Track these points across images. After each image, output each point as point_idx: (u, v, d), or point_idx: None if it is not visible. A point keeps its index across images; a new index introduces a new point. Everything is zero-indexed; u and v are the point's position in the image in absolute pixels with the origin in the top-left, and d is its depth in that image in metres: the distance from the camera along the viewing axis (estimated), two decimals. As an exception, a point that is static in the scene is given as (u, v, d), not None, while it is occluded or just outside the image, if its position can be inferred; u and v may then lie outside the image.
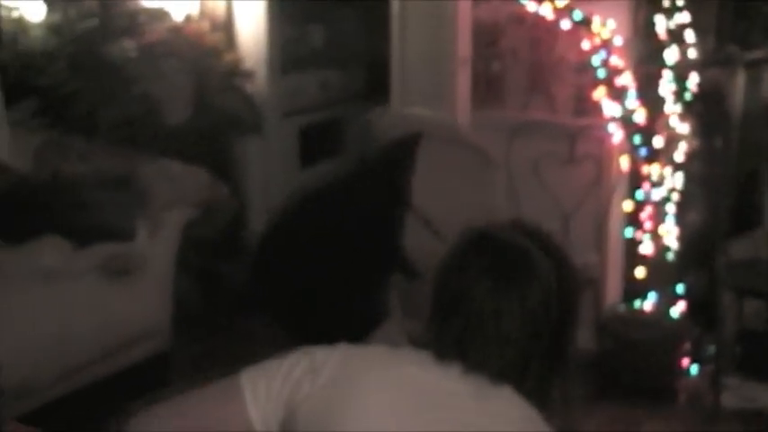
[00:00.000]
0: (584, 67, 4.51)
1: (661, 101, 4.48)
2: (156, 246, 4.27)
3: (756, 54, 5.01)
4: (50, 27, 4.76)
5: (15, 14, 4.80)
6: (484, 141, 4.57)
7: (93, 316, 3.97)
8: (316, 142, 5.71)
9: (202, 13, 5.15)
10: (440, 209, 3.35)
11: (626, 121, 4.45)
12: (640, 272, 4.54)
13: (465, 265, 1.84)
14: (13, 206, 4.09)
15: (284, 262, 3.15)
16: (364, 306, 3.07)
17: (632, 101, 4.44)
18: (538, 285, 1.82)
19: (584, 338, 4.55)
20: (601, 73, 4.44)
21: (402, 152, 3.04)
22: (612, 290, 4.67)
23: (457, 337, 1.80)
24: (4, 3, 4.77)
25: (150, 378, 4.29)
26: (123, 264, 4.10)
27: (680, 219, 4.55)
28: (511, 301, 1.80)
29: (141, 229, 4.21)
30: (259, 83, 5.24)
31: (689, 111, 4.53)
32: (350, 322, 3.04)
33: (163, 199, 4.31)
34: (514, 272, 1.82)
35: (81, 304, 3.94)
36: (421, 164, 3.35)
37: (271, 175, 5.36)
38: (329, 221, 3.05)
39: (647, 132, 4.46)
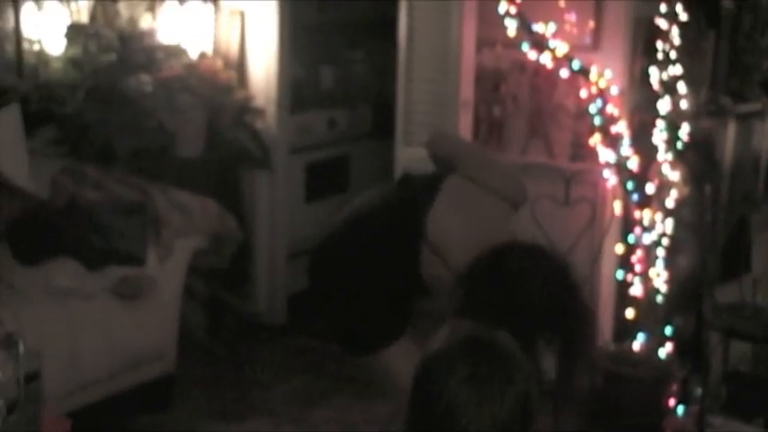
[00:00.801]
0: (582, 114, 4.66)
1: (654, 149, 4.64)
2: (166, 271, 4.42)
3: (748, 107, 5.19)
4: (70, 60, 4.94)
5: (36, 48, 4.98)
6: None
7: (102, 336, 4.11)
8: (322, 178, 5.88)
9: (216, 52, 5.34)
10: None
11: (620, 167, 4.60)
12: (630, 313, 4.67)
13: (445, 373, 1.92)
14: (30, 229, 4.26)
15: (331, 275, 3.33)
16: (389, 322, 3.25)
17: (626, 148, 4.58)
18: (513, 392, 1.91)
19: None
20: (597, 120, 4.59)
21: (432, 187, 3.22)
22: (603, 329, 4.80)
23: None
24: (26, 36, 4.95)
25: (155, 399, 4.45)
26: (134, 287, 4.25)
27: (669, 262, 4.70)
28: (490, 407, 1.89)
29: (152, 255, 4.37)
30: (269, 120, 5.40)
31: (680, 159, 4.69)
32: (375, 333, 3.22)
33: (173, 227, 4.47)
34: (494, 381, 1.91)
35: (92, 324, 4.08)
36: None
37: (277, 209, 5.52)
38: (369, 244, 3.23)
39: (640, 179, 4.60)
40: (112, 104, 4.90)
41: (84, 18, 5.22)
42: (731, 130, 5.00)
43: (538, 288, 2.75)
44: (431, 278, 3.06)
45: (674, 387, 4.66)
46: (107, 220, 4.34)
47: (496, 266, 2.76)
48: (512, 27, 4.65)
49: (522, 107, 4.86)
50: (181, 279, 4.51)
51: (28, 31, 4.98)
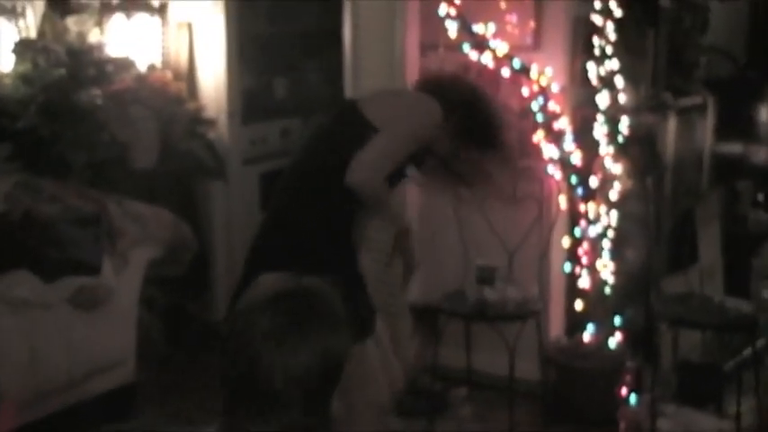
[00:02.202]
0: (525, 112, 4.73)
1: (596, 143, 4.74)
2: (122, 281, 4.46)
3: (689, 101, 5.31)
4: (20, 76, 4.96)
5: (-16, 66, 5.02)
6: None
7: (61, 345, 4.14)
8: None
9: (165, 64, 5.39)
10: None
11: (564, 162, 4.69)
12: (579, 305, 4.76)
13: (250, 323, 1.96)
14: (-13, 242, 4.29)
15: None
16: None
17: (569, 143, 4.69)
18: (311, 346, 1.94)
19: (529, 369, 4.78)
20: (540, 117, 4.69)
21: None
22: (555, 323, 4.89)
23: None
24: None
25: (116, 408, 4.48)
26: (91, 296, 4.29)
27: (616, 254, 4.80)
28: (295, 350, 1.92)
29: (108, 265, 4.41)
30: (221, 130, 5.46)
31: (622, 153, 4.79)
32: None
33: (128, 237, 4.52)
34: (289, 334, 1.93)
35: (50, 334, 4.11)
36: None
37: (232, 218, 5.58)
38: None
39: (584, 173, 4.70)
40: (65, 119, 4.91)
41: (32, 34, 5.28)
42: (672, 124, 5.11)
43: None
44: None
45: (627, 377, 4.75)
46: (62, 232, 4.37)
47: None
48: (453, 29, 4.74)
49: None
50: (137, 288, 4.56)
51: None
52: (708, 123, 5.51)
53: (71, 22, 5.27)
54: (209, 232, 5.52)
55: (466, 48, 4.72)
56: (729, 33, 6.31)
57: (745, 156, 5.98)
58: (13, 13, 5.28)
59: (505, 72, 4.71)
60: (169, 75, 5.35)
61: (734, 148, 5.93)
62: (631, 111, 4.82)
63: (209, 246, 5.50)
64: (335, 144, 3.24)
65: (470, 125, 3.36)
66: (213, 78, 5.47)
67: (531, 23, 4.78)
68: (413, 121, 3.28)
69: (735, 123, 5.89)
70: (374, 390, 3.37)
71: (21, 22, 5.28)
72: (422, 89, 3.43)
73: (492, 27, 4.71)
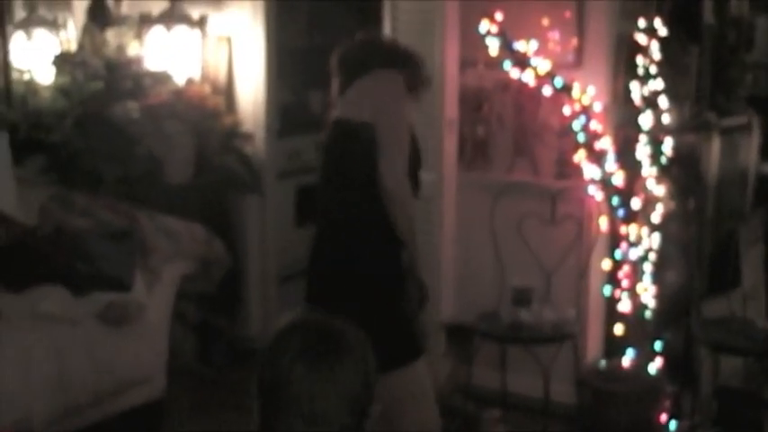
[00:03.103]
0: (566, 131, 4.66)
1: (638, 164, 4.64)
2: (154, 297, 4.41)
3: (733, 121, 5.20)
4: (59, 89, 4.96)
5: (27, 77, 5.02)
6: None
7: (90, 361, 4.09)
8: (312, 202, 5.87)
9: (204, 77, 5.35)
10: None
11: (605, 183, 4.60)
12: (619, 329, 4.67)
13: (280, 352, 1.99)
14: (18, 256, 4.26)
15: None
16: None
17: (611, 164, 4.59)
18: (351, 364, 1.98)
19: (565, 393, 4.70)
20: (581, 137, 4.59)
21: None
22: (592, 346, 4.80)
23: (281, 424, 1.96)
24: (16, 66, 5.00)
25: (144, 424, 4.44)
26: (121, 312, 4.25)
27: (657, 278, 4.69)
28: (324, 382, 1.95)
29: (139, 281, 4.38)
30: (257, 144, 5.42)
31: (665, 174, 4.69)
32: None
33: (161, 253, 4.48)
34: (325, 354, 1.97)
35: (79, 349, 4.06)
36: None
37: (267, 233, 5.53)
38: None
39: (626, 194, 4.60)
40: (100, 132, 4.90)
41: (73, 46, 5.28)
42: (716, 144, 5.00)
43: None
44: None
45: (666, 403, 4.64)
46: (93, 247, 4.34)
47: None
48: (493, 46, 4.67)
49: (507, 126, 4.87)
50: (169, 304, 4.51)
51: (17, 60, 5.03)
52: (753, 143, 5.39)
53: (110, 35, 5.27)
54: (243, 247, 5.48)
55: (507, 65, 4.64)
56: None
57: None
58: (54, 25, 5.31)
59: (547, 90, 4.62)
60: (207, 88, 5.32)
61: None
62: (674, 131, 4.71)
63: (243, 261, 5.46)
64: (356, 161, 3.41)
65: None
66: (251, 92, 5.43)
67: (574, 41, 4.70)
68: (391, 98, 3.47)
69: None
70: (426, 413, 3.42)
71: (62, 34, 5.31)
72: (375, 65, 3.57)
73: (534, 44, 4.63)
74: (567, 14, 4.72)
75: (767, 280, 5.37)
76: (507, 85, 4.78)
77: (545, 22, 4.73)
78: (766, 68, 5.88)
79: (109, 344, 4.19)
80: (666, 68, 4.65)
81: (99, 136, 4.90)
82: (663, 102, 4.66)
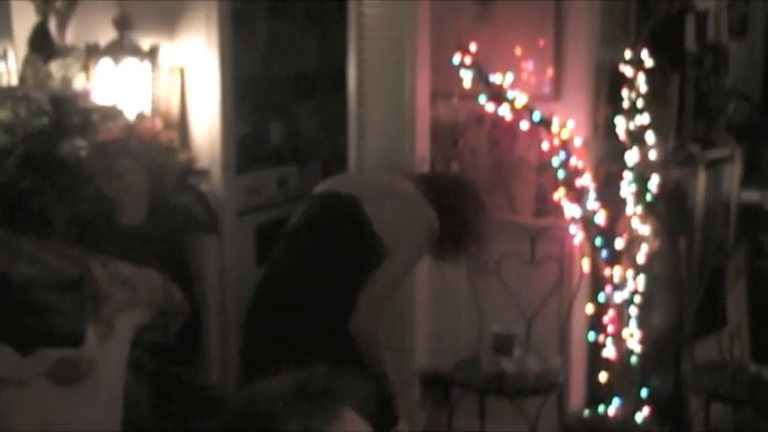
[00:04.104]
0: (544, 167, 4.46)
1: (622, 202, 4.44)
2: (107, 351, 4.10)
3: (716, 153, 5.00)
4: (1, 125, 4.66)
5: (-35, 113, 4.72)
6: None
7: (39, 424, 3.81)
8: (273, 240, 5.60)
9: (155, 111, 5.05)
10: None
11: (587, 222, 4.40)
12: (604, 376, 4.44)
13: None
14: (-45, 311, 3.96)
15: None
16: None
17: (593, 202, 4.39)
18: None
19: (550, 444, 4.48)
20: (561, 173, 4.40)
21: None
22: (576, 395, 4.58)
23: None
24: None
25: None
26: (71, 369, 3.94)
27: (643, 321, 4.47)
28: None
29: (91, 334, 4.07)
30: (214, 181, 5.11)
31: (650, 212, 4.47)
32: None
33: (114, 302, 4.17)
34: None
35: (27, 412, 3.78)
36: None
37: (227, 275, 5.23)
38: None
39: (609, 234, 4.40)
40: (47, 171, 4.60)
41: (14, 79, 4.98)
42: (701, 178, 4.79)
43: None
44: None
45: (654, 452, 4.43)
46: (41, 298, 4.02)
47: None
48: (467, 78, 4.45)
49: (482, 161, 4.65)
50: (123, 358, 4.18)
51: None
52: (735, 174, 5.19)
53: (55, 67, 4.96)
54: (201, 291, 5.18)
55: (482, 98, 4.40)
56: (744, 74, 6.00)
57: (760, 203, 5.65)
58: (-7, 56, 5.02)
59: (524, 124, 4.39)
60: (159, 123, 5.01)
61: (752, 196, 5.60)
62: (660, 166, 4.50)
63: (201, 305, 5.17)
64: (345, 260, 3.26)
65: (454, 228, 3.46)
66: (206, 126, 5.12)
67: (550, 71, 4.48)
68: (416, 235, 3.37)
69: (755, 170, 5.57)
70: None
71: (2, 66, 5.00)
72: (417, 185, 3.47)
73: (510, 77, 4.40)
74: (541, 43, 4.50)
75: (751, 317, 5.15)
76: (482, 118, 4.56)
77: (518, 51, 4.51)
78: (741, 95, 5.67)
79: (59, 405, 3.90)
80: (651, 100, 4.42)
81: (46, 175, 4.60)
82: (649, 137, 4.44)
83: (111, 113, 4.89)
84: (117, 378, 4.17)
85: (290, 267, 3.46)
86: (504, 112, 4.43)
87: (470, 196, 3.57)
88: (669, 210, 4.59)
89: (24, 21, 5.04)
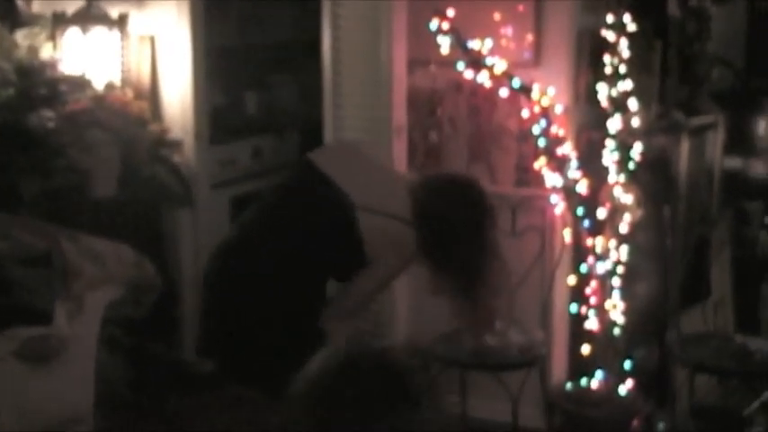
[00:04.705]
0: (525, 135, 4.37)
1: (604, 170, 4.35)
2: (77, 327, 3.99)
3: (700, 120, 4.91)
4: (-34, 96, 4.54)
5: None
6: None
7: (9, 404, 3.72)
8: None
9: (125, 81, 4.91)
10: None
11: (568, 191, 4.31)
12: (587, 348, 4.36)
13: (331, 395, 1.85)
14: None
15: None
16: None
17: (574, 171, 4.31)
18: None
19: (533, 417, 4.42)
20: (542, 142, 4.31)
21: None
22: (559, 368, 4.50)
23: None
24: None
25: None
26: (41, 348, 3.84)
27: (626, 292, 4.39)
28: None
29: (61, 311, 3.97)
30: (187, 153, 4.99)
31: (633, 180, 4.38)
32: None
33: (84, 278, 4.07)
34: (382, 401, 1.83)
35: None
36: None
37: (201, 248, 5.12)
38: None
39: (591, 203, 4.32)
40: (15, 143, 4.48)
41: (-22, 50, 4.85)
42: (685, 146, 4.70)
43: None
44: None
45: (639, 424, 4.35)
46: (9, 274, 3.92)
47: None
48: (445, 44, 4.34)
49: (461, 130, 4.56)
50: (94, 335, 4.08)
51: None
52: (718, 141, 5.10)
53: (21, 36, 4.81)
54: (175, 264, 5.07)
55: (460, 66, 4.29)
56: (727, 40, 5.90)
57: (743, 171, 5.57)
58: (-42, 26, 4.87)
59: (504, 92, 4.29)
60: (130, 93, 4.88)
61: (735, 163, 5.52)
62: (643, 134, 4.40)
63: (176, 279, 5.06)
64: (322, 248, 3.25)
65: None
66: (178, 96, 5.00)
67: (530, 37, 4.38)
68: (398, 259, 3.29)
69: (738, 137, 5.49)
70: None
71: (-35, 38, 4.87)
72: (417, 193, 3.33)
73: (489, 43, 4.29)
74: (521, 8, 4.41)
75: (734, 288, 5.09)
76: (461, 85, 4.46)
77: (497, 16, 4.41)
78: (724, 62, 5.57)
79: (30, 384, 3.80)
80: (634, 66, 4.32)
81: (14, 148, 4.48)
82: (632, 104, 4.34)
83: (80, 84, 4.75)
84: (89, 355, 4.07)
85: (262, 237, 3.40)
86: (483, 79, 4.34)
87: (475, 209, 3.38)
88: (652, 178, 4.51)
89: (-11, -11, 4.90)
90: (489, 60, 4.31)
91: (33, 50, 4.79)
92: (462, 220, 3.28)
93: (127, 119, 4.78)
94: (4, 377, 3.72)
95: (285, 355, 3.16)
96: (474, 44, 4.33)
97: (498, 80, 4.33)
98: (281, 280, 3.27)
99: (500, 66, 4.32)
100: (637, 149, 4.40)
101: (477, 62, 4.33)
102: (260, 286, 3.33)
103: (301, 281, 3.26)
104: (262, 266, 3.33)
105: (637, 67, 4.38)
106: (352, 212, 3.22)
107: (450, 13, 4.34)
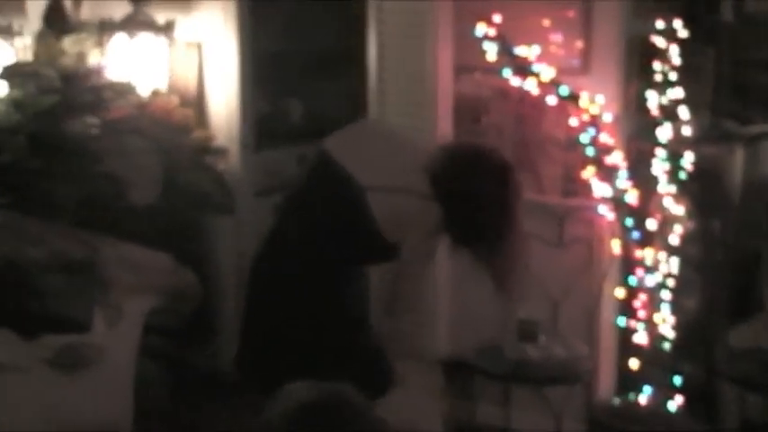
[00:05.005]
0: (573, 144, 4.30)
1: (654, 180, 4.26)
2: (115, 336, 3.98)
3: (755, 129, 4.78)
4: (14, 102, 4.54)
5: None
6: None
7: (43, 414, 3.68)
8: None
9: (171, 88, 4.90)
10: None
11: (617, 202, 4.24)
12: (634, 363, 4.26)
13: None
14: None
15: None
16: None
17: (623, 180, 4.23)
18: None
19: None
20: (590, 151, 4.24)
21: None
22: (605, 383, 4.40)
23: None
24: None
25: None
26: (76, 356, 3.82)
27: (676, 306, 4.29)
28: None
29: (99, 319, 3.94)
30: (231, 160, 4.97)
31: (684, 191, 4.28)
32: None
33: (123, 286, 4.05)
34: None
35: (30, 400, 3.64)
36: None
37: (244, 258, 5.08)
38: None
39: (640, 214, 4.24)
40: (55, 150, 4.47)
41: (30, 55, 4.85)
42: (738, 156, 4.57)
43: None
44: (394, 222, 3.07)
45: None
46: (47, 283, 3.89)
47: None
48: (491, 51, 4.27)
49: (507, 139, 4.48)
50: (133, 344, 4.06)
51: None
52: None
53: (68, 43, 4.81)
54: (217, 273, 5.04)
55: (506, 72, 4.21)
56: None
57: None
58: (8, 32, 4.87)
59: (551, 99, 4.21)
60: (175, 100, 4.86)
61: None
62: (694, 143, 4.29)
63: (217, 288, 5.03)
64: (340, 244, 3.17)
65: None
66: (224, 103, 4.99)
67: (579, 44, 4.30)
68: (418, 234, 3.12)
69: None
70: None
71: (18, 42, 4.87)
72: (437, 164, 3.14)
73: (536, 49, 4.21)
74: (571, 14, 4.33)
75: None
76: (507, 93, 4.39)
77: (546, 23, 4.34)
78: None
79: (65, 393, 3.76)
80: (685, 73, 4.21)
81: (55, 155, 4.47)
82: (683, 112, 4.23)
83: (124, 90, 4.74)
84: (126, 364, 4.04)
85: (286, 245, 3.41)
86: (531, 86, 4.25)
87: (498, 178, 3.17)
88: (703, 189, 4.40)
89: (37, -5, 4.91)
90: (536, 67, 4.23)
91: (81, 56, 4.79)
92: (482, 187, 3.10)
93: (169, 126, 4.76)
94: (36, 385, 3.70)
95: (330, 366, 3.08)
96: (521, 50, 4.26)
97: (546, 88, 4.26)
98: (312, 285, 3.22)
99: (547, 73, 4.23)
100: (687, 159, 4.31)
101: (523, 69, 4.25)
102: (294, 294, 3.27)
103: (333, 284, 3.20)
104: (292, 272, 3.29)
105: (687, 74, 4.27)
106: (363, 195, 3.11)
107: (497, 18, 4.27)
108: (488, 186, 3.10)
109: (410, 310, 3.19)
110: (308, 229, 3.28)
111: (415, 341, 3.19)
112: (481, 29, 4.30)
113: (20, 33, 4.90)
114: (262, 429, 2.00)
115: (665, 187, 4.26)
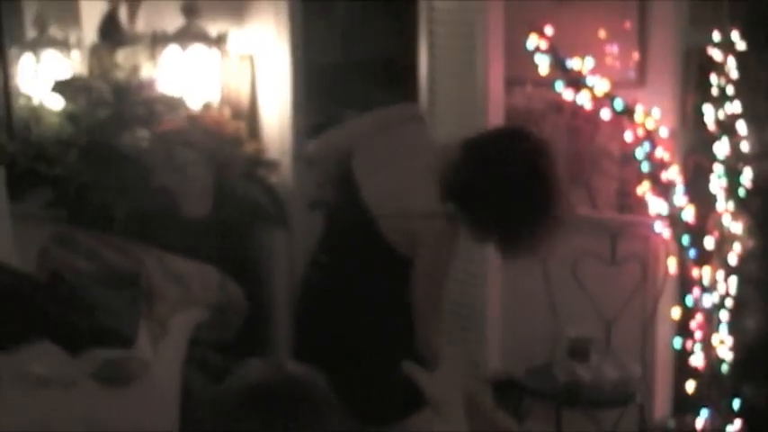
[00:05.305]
0: (627, 159, 4.20)
1: (712, 197, 4.12)
2: (161, 351, 3.96)
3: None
4: (68, 115, 4.58)
5: (35, 103, 4.68)
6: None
7: (88, 428, 3.66)
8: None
9: (224, 101, 4.90)
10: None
11: (673, 218, 4.12)
12: (691, 386, 4.13)
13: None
14: (7, 309, 3.84)
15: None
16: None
17: (680, 197, 4.11)
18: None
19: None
20: (645, 166, 4.13)
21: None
22: (661, 405, 4.28)
23: None
24: (22, 91, 4.68)
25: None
26: (121, 370, 3.79)
27: (734, 327, 4.15)
28: None
29: (144, 333, 3.92)
30: (284, 173, 4.96)
31: (743, 208, 4.15)
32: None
33: (169, 300, 4.02)
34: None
35: (75, 415, 3.63)
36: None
37: (297, 270, 5.05)
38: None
39: (697, 232, 4.11)
40: (109, 163, 4.49)
41: (85, 69, 4.88)
42: (803, 172, 4.43)
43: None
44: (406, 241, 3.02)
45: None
46: (93, 296, 3.88)
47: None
48: (543, 64, 4.18)
49: (560, 153, 4.33)
50: (179, 358, 4.03)
51: (25, 85, 4.70)
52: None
53: (122, 56, 4.82)
54: (269, 286, 5.02)
55: (559, 86, 4.12)
56: None
57: None
58: (65, 45, 4.91)
59: (605, 113, 4.10)
60: (227, 113, 4.86)
61: None
62: (754, 158, 4.16)
63: (269, 300, 5.00)
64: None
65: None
66: (277, 115, 4.98)
67: (635, 55, 4.19)
68: (431, 249, 3.01)
69: None
70: None
71: (74, 55, 4.91)
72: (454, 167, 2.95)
73: (590, 62, 4.11)
74: (628, 25, 4.22)
75: None
76: (560, 106, 4.29)
77: (602, 34, 4.24)
78: None
79: (109, 408, 3.74)
80: (743, 87, 4.08)
81: (108, 167, 4.49)
82: (741, 127, 4.10)
83: (176, 104, 4.76)
84: (171, 379, 4.00)
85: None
86: (584, 100, 4.15)
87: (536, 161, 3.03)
88: (763, 206, 4.26)
89: (92, 8, 4.93)
90: (590, 80, 4.14)
91: (134, 69, 4.80)
92: (505, 183, 2.89)
93: (220, 139, 4.76)
94: (80, 400, 3.68)
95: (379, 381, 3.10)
96: (574, 63, 4.16)
97: (599, 101, 4.15)
98: (359, 296, 3.20)
99: (601, 86, 4.14)
100: (746, 175, 4.17)
101: (576, 82, 4.16)
102: (344, 305, 3.26)
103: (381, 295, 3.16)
104: (338, 286, 3.30)
105: (746, 87, 4.14)
106: (374, 224, 3.08)
107: (549, 30, 4.18)
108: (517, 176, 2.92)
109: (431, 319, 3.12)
110: (341, 244, 3.31)
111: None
112: (533, 41, 4.21)
113: (77, 47, 4.94)
114: (213, 405, 2.09)
115: (723, 204, 4.13)
